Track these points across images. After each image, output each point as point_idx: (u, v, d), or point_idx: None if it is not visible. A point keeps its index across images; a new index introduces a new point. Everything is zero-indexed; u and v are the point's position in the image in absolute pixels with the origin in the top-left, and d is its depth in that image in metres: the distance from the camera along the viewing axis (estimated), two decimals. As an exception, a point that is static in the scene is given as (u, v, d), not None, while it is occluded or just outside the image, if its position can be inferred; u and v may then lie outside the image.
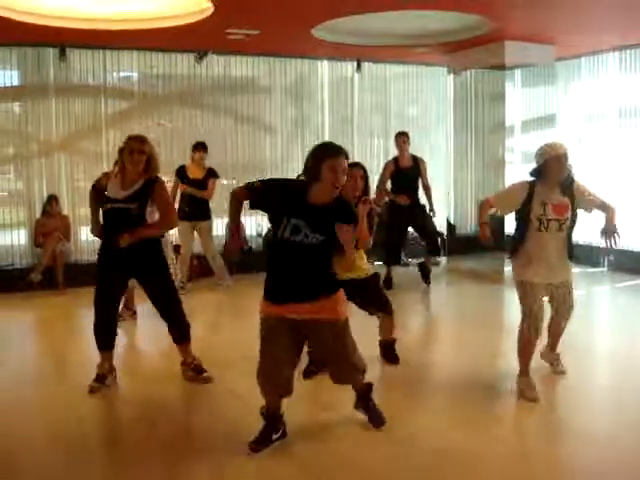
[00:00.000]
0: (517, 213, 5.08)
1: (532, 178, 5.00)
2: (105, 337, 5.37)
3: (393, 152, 9.66)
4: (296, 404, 4.48)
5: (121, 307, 7.55)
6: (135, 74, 10.38)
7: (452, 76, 11.44)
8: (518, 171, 11.12)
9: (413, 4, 7.56)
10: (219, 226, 10.12)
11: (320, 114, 11.46)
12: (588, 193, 5.10)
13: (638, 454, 4.20)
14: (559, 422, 4.83)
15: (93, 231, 5.55)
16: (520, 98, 11.69)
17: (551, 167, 4.89)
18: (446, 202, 12.05)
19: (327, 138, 11.36)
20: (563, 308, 5.24)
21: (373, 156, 11.72)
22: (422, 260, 9.54)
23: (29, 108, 9.72)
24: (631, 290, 9.09)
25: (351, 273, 5.13)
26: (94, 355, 5.45)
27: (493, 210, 5.26)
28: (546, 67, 10.66)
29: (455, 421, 4.72)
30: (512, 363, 5.41)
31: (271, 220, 4.06)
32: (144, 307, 7.28)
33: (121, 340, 5.90)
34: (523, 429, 4.82)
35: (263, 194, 4.03)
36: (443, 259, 11.17)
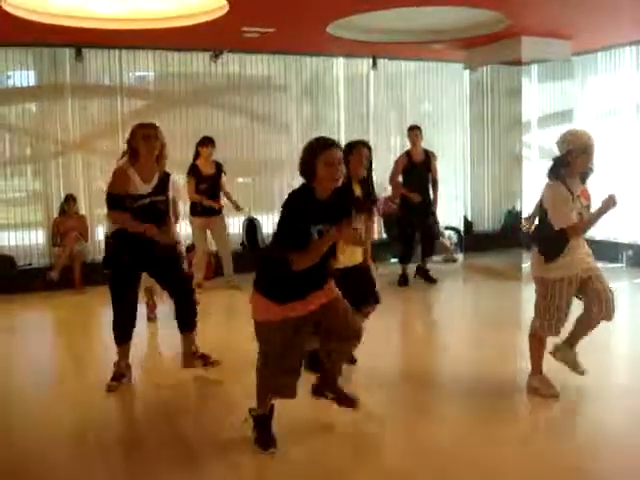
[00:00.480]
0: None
1: (555, 174, 4.76)
2: (124, 328, 5.34)
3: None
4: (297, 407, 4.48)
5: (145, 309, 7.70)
6: (151, 73, 10.41)
7: (468, 72, 11.38)
8: (535, 167, 11.08)
9: (428, 1, 7.52)
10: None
11: (336, 112, 11.44)
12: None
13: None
14: (576, 422, 4.81)
15: (133, 226, 5.18)
16: (537, 94, 11.61)
17: (577, 158, 4.71)
18: (463, 199, 12.02)
19: (343, 136, 11.33)
20: (607, 294, 4.90)
21: (390, 153, 11.68)
22: (417, 264, 9.46)
23: (45, 108, 9.78)
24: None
25: (348, 261, 5.12)
26: (112, 353, 5.46)
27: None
28: (563, 62, 10.58)
29: (469, 421, 4.68)
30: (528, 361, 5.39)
31: (292, 231, 3.90)
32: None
33: (138, 340, 5.89)
34: (539, 428, 4.78)
35: (297, 231, 3.87)
36: (460, 256, 11.14)
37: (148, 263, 5.32)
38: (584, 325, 5.01)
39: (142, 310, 6.99)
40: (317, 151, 3.89)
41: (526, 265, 9.84)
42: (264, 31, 8.64)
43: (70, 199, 9.46)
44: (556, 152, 4.83)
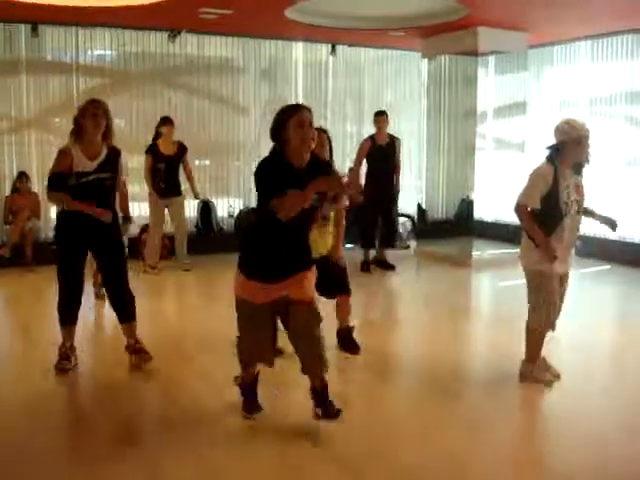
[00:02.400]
0: (544, 199, 4.74)
1: (550, 159, 4.76)
2: (69, 310, 5.28)
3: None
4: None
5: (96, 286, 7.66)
6: (108, 52, 10.30)
7: (426, 61, 11.47)
8: (489, 157, 11.23)
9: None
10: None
11: (294, 96, 11.45)
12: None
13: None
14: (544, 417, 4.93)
15: (69, 204, 5.16)
16: (493, 85, 11.76)
17: (570, 149, 4.69)
18: (418, 186, 12.13)
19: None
20: (561, 304, 4.99)
21: (346, 140, 11.77)
22: (374, 255, 9.56)
23: (0, 85, 9.63)
24: (596, 275, 9.22)
25: (322, 249, 5.18)
26: (58, 333, 5.44)
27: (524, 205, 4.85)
28: (519, 54, 10.73)
29: (432, 415, 4.73)
30: (479, 347, 5.50)
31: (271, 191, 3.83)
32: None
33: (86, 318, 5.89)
34: (479, 408, 4.89)
35: (269, 186, 3.85)
36: (413, 243, 11.26)
37: (92, 243, 5.23)
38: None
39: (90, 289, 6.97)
40: (288, 113, 3.88)
41: (476, 252, 10.07)
42: (221, 12, 8.63)
43: (23, 176, 9.35)
44: (545, 141, 4.85)
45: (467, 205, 10.89)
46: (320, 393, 4.14)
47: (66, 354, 5.28)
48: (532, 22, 9.32)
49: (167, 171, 8.88)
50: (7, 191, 9.52)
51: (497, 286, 9.15)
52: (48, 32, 9.65)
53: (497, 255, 10.31)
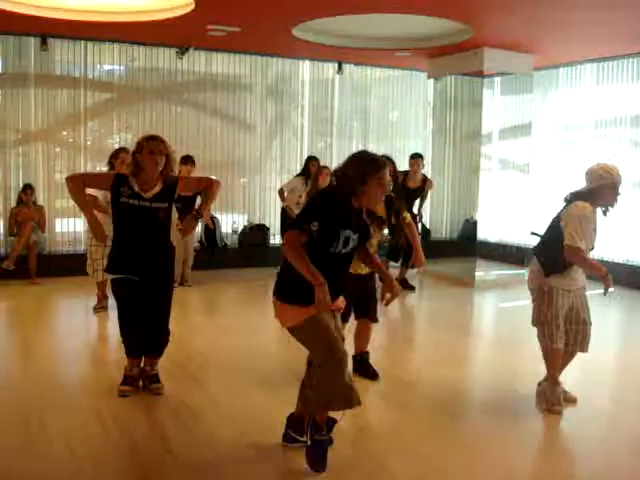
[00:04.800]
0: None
1: (584, 198, 4.70)
2: (130, 341, 5.10)
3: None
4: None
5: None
6: (116, 67, 10.37)
7: (432, 81, 11.53)
8: (493, 178, 11.26)
9: (390, 7, 7.61)
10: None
11: (300, 114, 11.52)
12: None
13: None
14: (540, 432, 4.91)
15: (99, 235, 4.99)
16: (499, 106, 11.81)
17: (605, 194, 4.65)
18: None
19: (306, 138, 11.45)
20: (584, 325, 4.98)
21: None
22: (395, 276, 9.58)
23: (8, 96, 9.70)
24: (600, 298, 9.17)
25: (361, 269, 5.13)
26: (61, 344, 5.43)
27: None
28: (525, 76, 10.78)
29: (433, 434, 4.76)
30: (480, 368, 5.49)
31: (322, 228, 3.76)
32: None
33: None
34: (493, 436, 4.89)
35: (320, 225, 3.74)
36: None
37: (141, 271, 4.97)
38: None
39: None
40: (371, 169, 3.79)
41: (480, 273, 10.07)
42: (229, 30, 8.70)
43: (28, 189, 9.37)
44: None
45: (471, 225, 10.90)
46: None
47: (131, 376, 5.14)
48: (538, 44, 9.38)
49: (183, 209, 8.63)
50: (13, 203, 9.55)
51: (500, 307, 9.14)
52: (57, 46, 9.73)
53: (500, 276, 10.31)
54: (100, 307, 7.73)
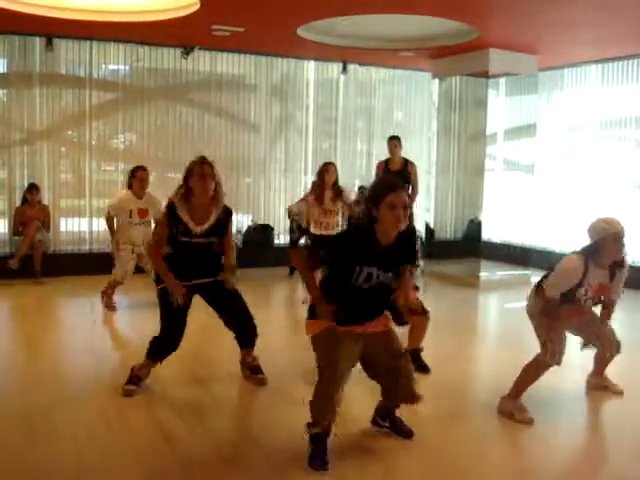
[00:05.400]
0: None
1: (584, 256, 4.64)
2: (160, 349, 5.09)
3: (376, 156, 9.78)
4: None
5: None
6: (121, 66, 10.39)
7: (437, 82, 11.52)
8: (498, 179, 11.25)
9: (394, 8, 7.61)
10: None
11: (304, 114, 11.53)
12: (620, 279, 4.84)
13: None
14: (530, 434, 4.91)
15: (166, 277, 4.90)
16: (504, 106, 11.80)
17: (608, 246, 4.58)
18: (426, 206, 12.13)
19: (311, 139, 11.45)
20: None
21: (356, 159, 11.82)
22: None
23: (13, 96, 9.73)
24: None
25: None
26: (66, 343, 5.44)
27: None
28: (530, 77, 10.76)
29: (435, 433, 4.76)
30: (484, 366, 5.47)
31: (336, 264, 3.93)
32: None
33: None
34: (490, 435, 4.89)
35: (336, 258, 3.91)
36: (421, 262, 11.23)
37: (202, 291, 5.09)
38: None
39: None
40: (383, 192, 3.80)
41: (484, 273, 10.06)
42: (234, 30, 8.71)
43: (33, 188, 9.39)
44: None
45: (475, 226, 10.89)
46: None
47: (138, 376, 5.13)
48: (543, 45, 9.38)
49: None
50: (18, 202, 9.57)
51: (504, 307, 9.13)
52: (62, 46, 9.74)
53: (505, 276, 10.30)
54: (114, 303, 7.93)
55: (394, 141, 9.47)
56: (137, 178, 7.73)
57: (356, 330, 3.98)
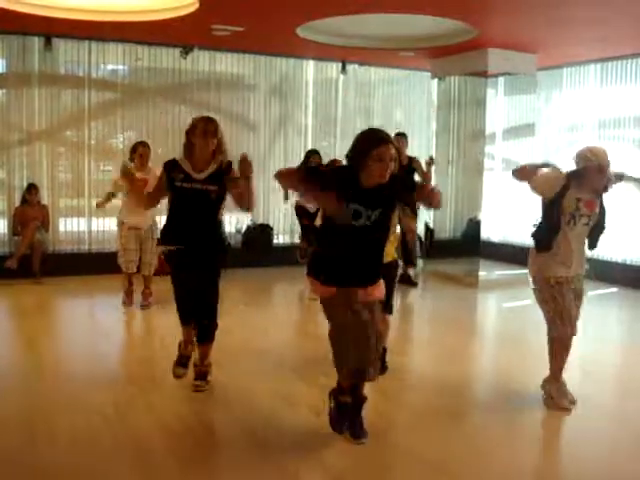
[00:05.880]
0: (548, 206, 4.89)
1: (567, 175, 4.82)
2: (180, 311, 5.25)
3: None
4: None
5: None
6: (120, 66, 10.38)
7: (435, 81, 11.52)
8: (497, 178, 11.25)
9: (393, 7, 7.61)
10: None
11: (304, 114, 11.52)
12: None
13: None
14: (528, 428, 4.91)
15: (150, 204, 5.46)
16: (503, 106, 11.80)
17: (590, 176, 4.73)
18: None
19: (310, 138, 11.46)
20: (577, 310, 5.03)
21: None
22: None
23: (12, 96, 9.71)
24: (602, 298, 9.20)
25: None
26: (65, 343, 5.44)
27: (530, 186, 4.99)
28: (528, 76, 10.76)
29: (434, 433, 4.76)
30: (483, 365, 5.48)
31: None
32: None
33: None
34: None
35: (320, 177, 4.11)
36: (420, 262, 11.27)
37: (198, 252, 5.11)
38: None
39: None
40: (371, 144, 3.95)
41: (483, 273, 10.06)
42: (233, 30, 8.71)
43: (32, 188, 9.38)
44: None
45: (475, 225, 10.89)
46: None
47: (185, 358, 5.31)
48: (542, 44, 9.38)
49: None
50: (17, 202, 9.56)
51: (503, 307, 9.13)
52: (62, 45, 9.73)
53: (504, 276, 10.30)
54: (130, 302, 7.95)
55: (398, 137, 9.43)
56: (137, 153, 7.84)
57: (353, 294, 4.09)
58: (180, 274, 5.13)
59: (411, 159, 9.66)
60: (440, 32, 9.17)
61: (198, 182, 4.95)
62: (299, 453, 4.10)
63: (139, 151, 7.86)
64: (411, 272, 9.72)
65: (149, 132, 10.37)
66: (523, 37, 8.96)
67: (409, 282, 9.52)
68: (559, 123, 11.39)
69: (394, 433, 4.51)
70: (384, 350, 5.46)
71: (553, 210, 4.83)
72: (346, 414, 4.27)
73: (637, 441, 4.52)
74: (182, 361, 5.28)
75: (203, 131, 4.93)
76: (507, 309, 8.85)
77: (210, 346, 5.25)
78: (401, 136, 9.54)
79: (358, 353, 4.05)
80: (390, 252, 5.16)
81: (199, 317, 5.18)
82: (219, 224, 5.17)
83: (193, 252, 5.04)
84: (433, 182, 11.70)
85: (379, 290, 4.24)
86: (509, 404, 5.08)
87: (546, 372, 5.02)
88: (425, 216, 11.95)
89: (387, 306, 5.19)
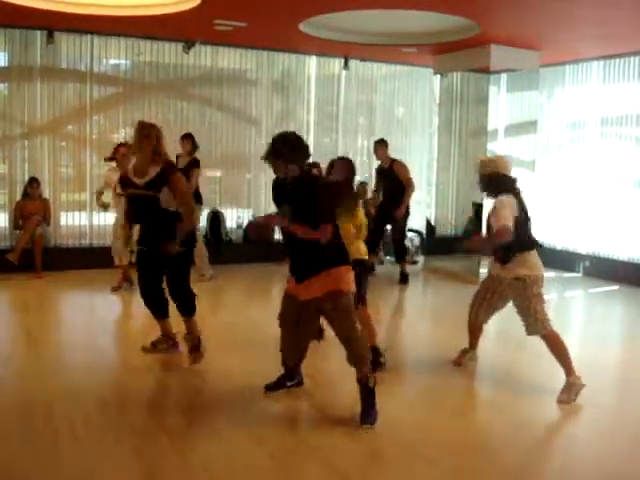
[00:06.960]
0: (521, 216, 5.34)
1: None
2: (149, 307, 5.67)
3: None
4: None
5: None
6: (122, 61, 10.39)
7: (438, 78, 11.50)
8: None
9: (396, 3, 7.60)
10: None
11: (306, 109, 11.51)
12: None
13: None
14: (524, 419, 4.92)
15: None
16: (505, 103, 11.78)
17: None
18: (427, 202, 12.13)
19: (312, 134, 11.45)
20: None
21: (357, 154, 11.80)
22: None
23: (14, 90, 9.71)
24: (604, 296, 9.20)
25: (359, 254, 5.26)
26: (65, 336, 5.45)
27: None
28: (531, 73, 10.74)
29: (436, 431, 4.77)
30: (484, 364, 5.50)
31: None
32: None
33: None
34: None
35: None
36: (421, 258, 11.28)
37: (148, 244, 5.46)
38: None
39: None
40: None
41: (484, 270, 10.03)
42: (236, 25, 8.70)
43: (34, 182, 9.39)
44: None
45: (476, 222, 10.87)
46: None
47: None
48: (544, 41, 9.36)
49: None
50: (18, 196, 9.56)
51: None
52: (64, 40, 9.73)
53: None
54: (117, 287, 8.31)
55: (380, 145, 9.75)
56: (119, 154, 8.00)
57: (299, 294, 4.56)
58: (140, 271, 5.52)
59: (393, 162, 9.68)
60: (443, 28, 9.16)
61: (142, 188, 5.18)
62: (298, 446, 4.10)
63: (121, 151, 7.97)
64: (407, 269, 9.73)
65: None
66: (526, 34, 8.95)
67: (406, 280, 9.55)
68: (561, 120, 11.37)
69: (393, 432, 4.50)
70: (375, 349, 5.48)
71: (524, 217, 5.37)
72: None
73: (637, 441, 4.52)
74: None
75: (144, 135, 5.13)
76: (508, 306, 8.81)
77: (191, 319, 5.53)
78: (380, 143, 9.74)
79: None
80: (358, 250, 5.33)
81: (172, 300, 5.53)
82: (169, 221, 5.28)
83: (150, 253, 5.35)
84: (434, 179, 11.74)
85: (333, 282, 4.43)
86: (509, 402, 5.08)
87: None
88: (426, 212, 11.97)
89: (357, 298, 5.22)
